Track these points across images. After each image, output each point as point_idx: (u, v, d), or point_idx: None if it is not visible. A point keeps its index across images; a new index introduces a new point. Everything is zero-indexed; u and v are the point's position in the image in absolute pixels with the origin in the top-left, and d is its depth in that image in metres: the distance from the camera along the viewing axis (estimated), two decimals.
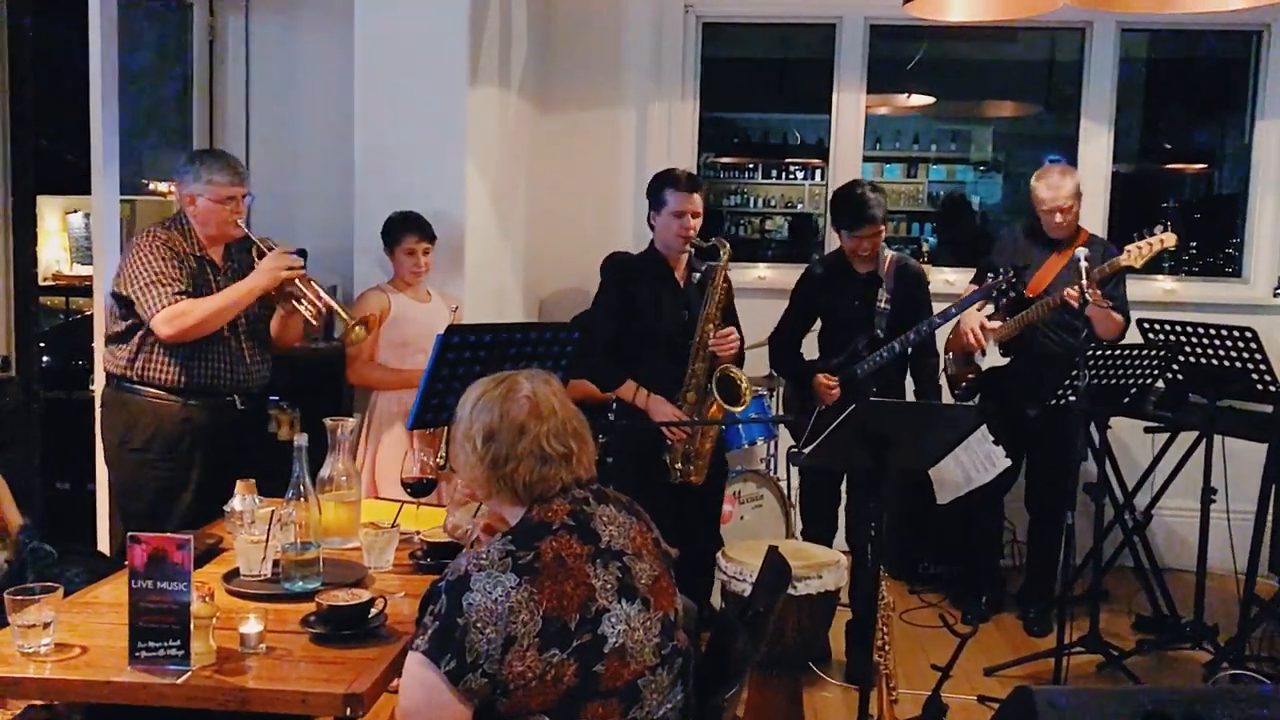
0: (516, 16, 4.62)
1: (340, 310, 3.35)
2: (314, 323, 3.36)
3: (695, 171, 5.03)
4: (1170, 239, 3.88)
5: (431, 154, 4.06)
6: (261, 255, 3.27)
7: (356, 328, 3.32)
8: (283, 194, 4.80)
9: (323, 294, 3.29)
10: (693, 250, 3.63)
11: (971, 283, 4.32)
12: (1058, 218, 4.10)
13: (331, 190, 4.56)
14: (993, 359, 4.14)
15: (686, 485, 3.59)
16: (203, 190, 3.21)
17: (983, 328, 4.08)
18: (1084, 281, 3.65)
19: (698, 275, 3.63)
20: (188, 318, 3.12)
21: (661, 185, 3.61)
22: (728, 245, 3.58)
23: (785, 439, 4.63)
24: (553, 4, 5.11)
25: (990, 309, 4.11)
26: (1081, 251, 3.72)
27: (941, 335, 4.07)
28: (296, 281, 3.25)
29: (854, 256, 3.91)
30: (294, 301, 3.30)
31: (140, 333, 3.20)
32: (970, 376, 4.19)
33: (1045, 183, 4.12)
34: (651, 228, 3.68)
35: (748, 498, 4.35)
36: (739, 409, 3.54)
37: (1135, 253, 3.88)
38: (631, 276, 3.65)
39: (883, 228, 3.83)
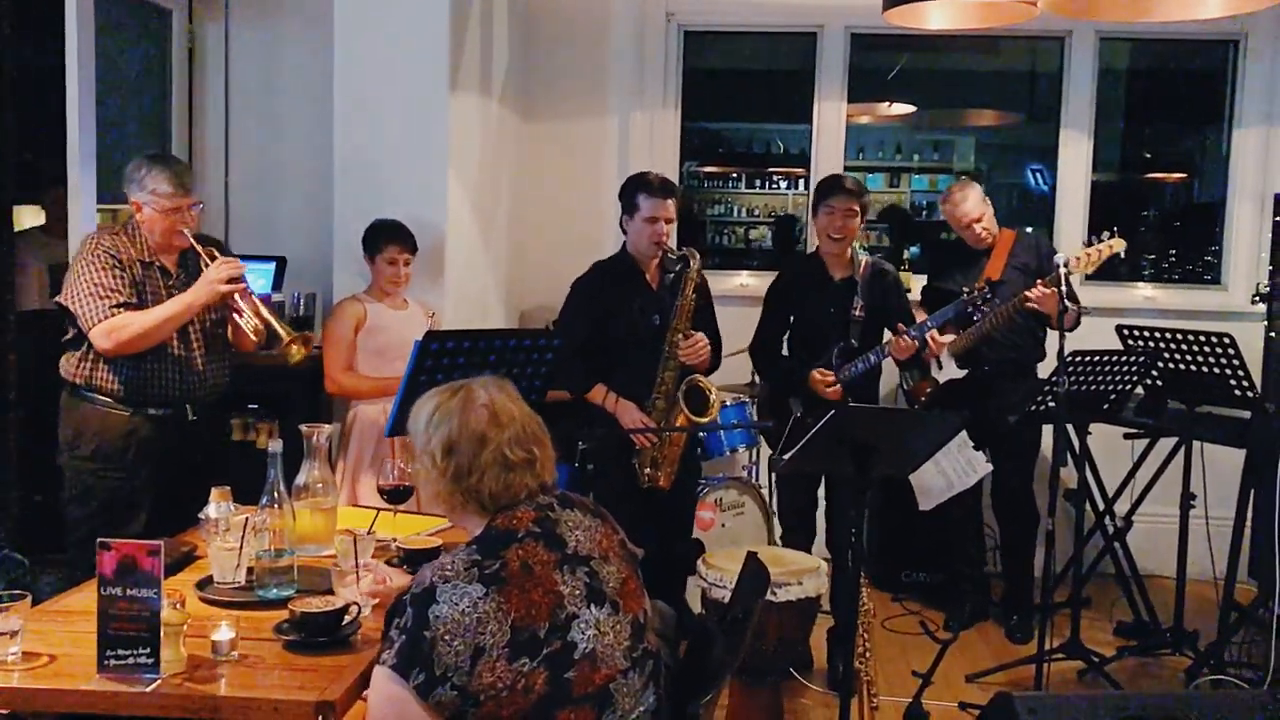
0: (498, 24, 4.62)
1: (277, 326, 3.15)
2: (252, 337, 3.20)
3: (678, 180, 5.04)
4: (1119, 244, 3.89)
5: (412, 162, 4.04)
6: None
7: (293, 345, 3.13)
8: (262, 202, 4.81)
9: (262, 309, 3.14)
10: (665, 254, 3.61)
11: (920, 305, 4.35)
12: (976, 229, 4.18)
13: (311, 198, 4.56)
14: (950, 371, 4.14)
15: (656, 490, 3.57)
16: (148, 200, 3.10)
17: (933, 338, 4.08)
18: (1063, 288, 3.64)
19: (670, 277, 3.61)
20: (125, 331, 3.02)
21: (635, 189, 3.58)
22: (698, 255, 3.57)
23: (766, 446, 4.62)
24: (534, 12, 5.11)
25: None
26: (1060, 257, 3.71)
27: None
28: (236, 295, 3.11)
29: (826, 239, 3.87)
30: (234, 315, 3.20)
31: (88, 341, 3.10)
32: (928, 390, 4.19)
33: (948, 205, 4.24)
34: (624, 230, 3.66)
35: (729, 505, 4.33)
36: (705, 420, 3.54)
37: (1085, 260, 3.88)
38: (602, 282, 3.64)
39: (857, 209, 3.82)
